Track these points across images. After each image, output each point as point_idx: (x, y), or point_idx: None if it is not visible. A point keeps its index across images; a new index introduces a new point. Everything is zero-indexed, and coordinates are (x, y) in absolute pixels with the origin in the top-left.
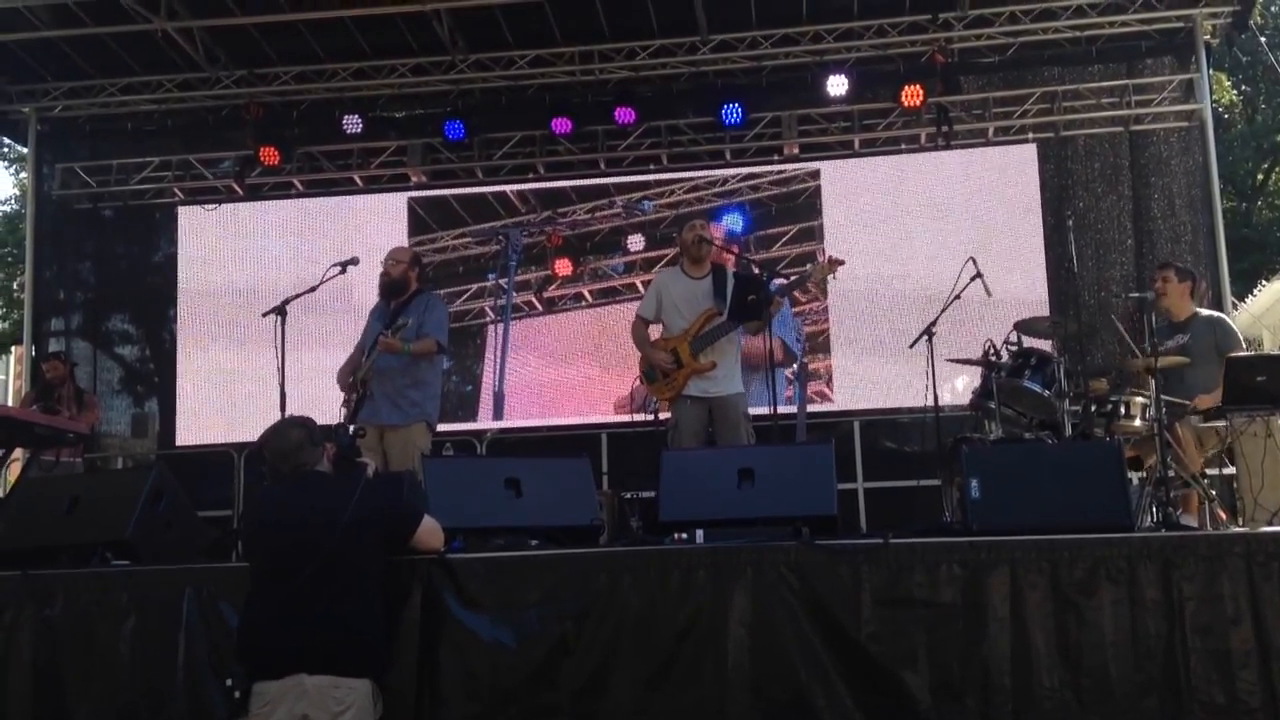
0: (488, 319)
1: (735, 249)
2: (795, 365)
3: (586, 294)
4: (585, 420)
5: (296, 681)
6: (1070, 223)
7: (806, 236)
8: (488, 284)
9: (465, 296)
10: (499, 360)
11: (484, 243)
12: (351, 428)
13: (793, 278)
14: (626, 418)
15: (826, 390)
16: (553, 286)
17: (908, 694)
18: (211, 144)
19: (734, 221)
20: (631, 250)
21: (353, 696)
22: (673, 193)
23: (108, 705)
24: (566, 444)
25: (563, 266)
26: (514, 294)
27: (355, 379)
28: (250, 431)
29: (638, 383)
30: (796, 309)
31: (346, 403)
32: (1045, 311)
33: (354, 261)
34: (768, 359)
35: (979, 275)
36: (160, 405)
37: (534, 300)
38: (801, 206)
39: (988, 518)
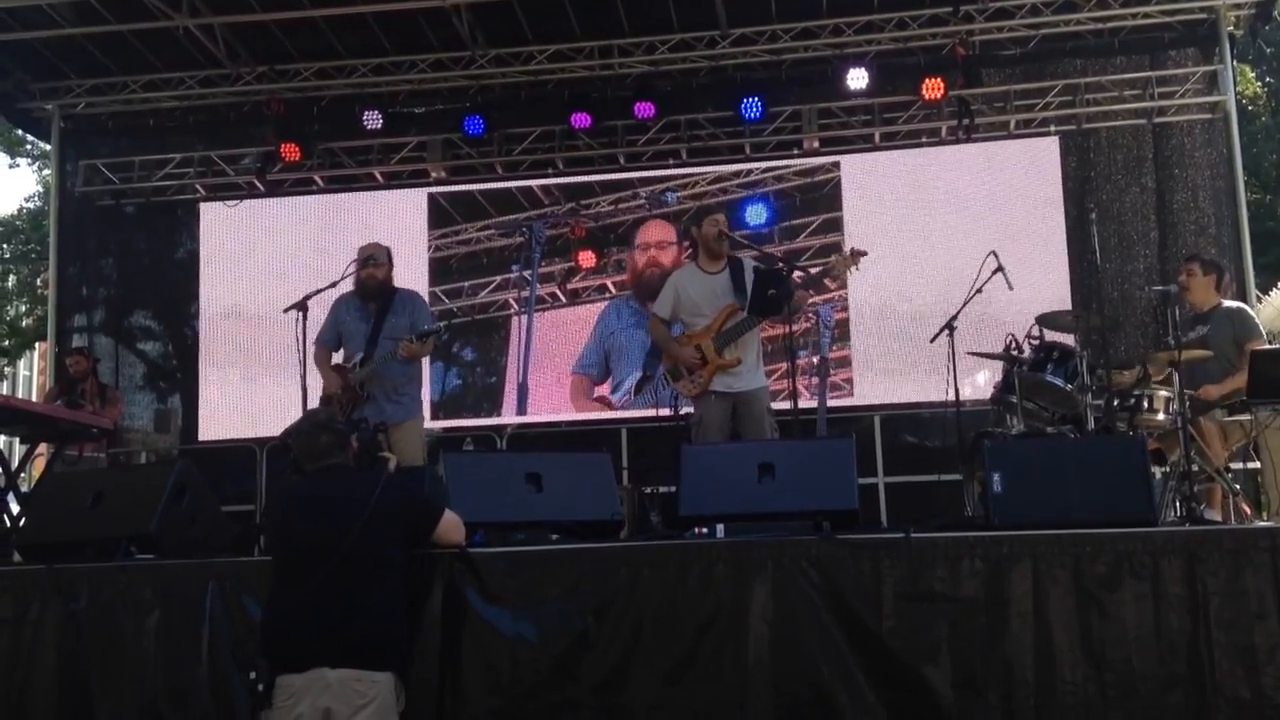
0: (512, 311)
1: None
2: (816, 358)
3: (610, 285)
4: (606, 415)
5: (319, 675)
6: (1093, 216)
7: (831, 227)
8: (511, 276)
9: (489, 289)
10: (523, 352)
11: (508, 235)
12: (373, 422)
13: (814, 271)
14: (648, 413)
15: (846, 378)
16: (576, 278)
17: (929, 688)
18: (233, 140)
19: (758, 214)
20: None
21: (375, 690)
22: (696, 184)
23: (131, 698)
24: (587, 439)
25: (586, 258)
26: (538, 286)
27: (355, 382)
28: (272, 426)
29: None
30: (824, 296)
31: (337, 401)
32: (1067, 305)
33: None
34: (789, 354)
35: (1000, 269)
36: (183, 400)
37: (558, 292)
38: (826, 197)
39: (1010, 512)
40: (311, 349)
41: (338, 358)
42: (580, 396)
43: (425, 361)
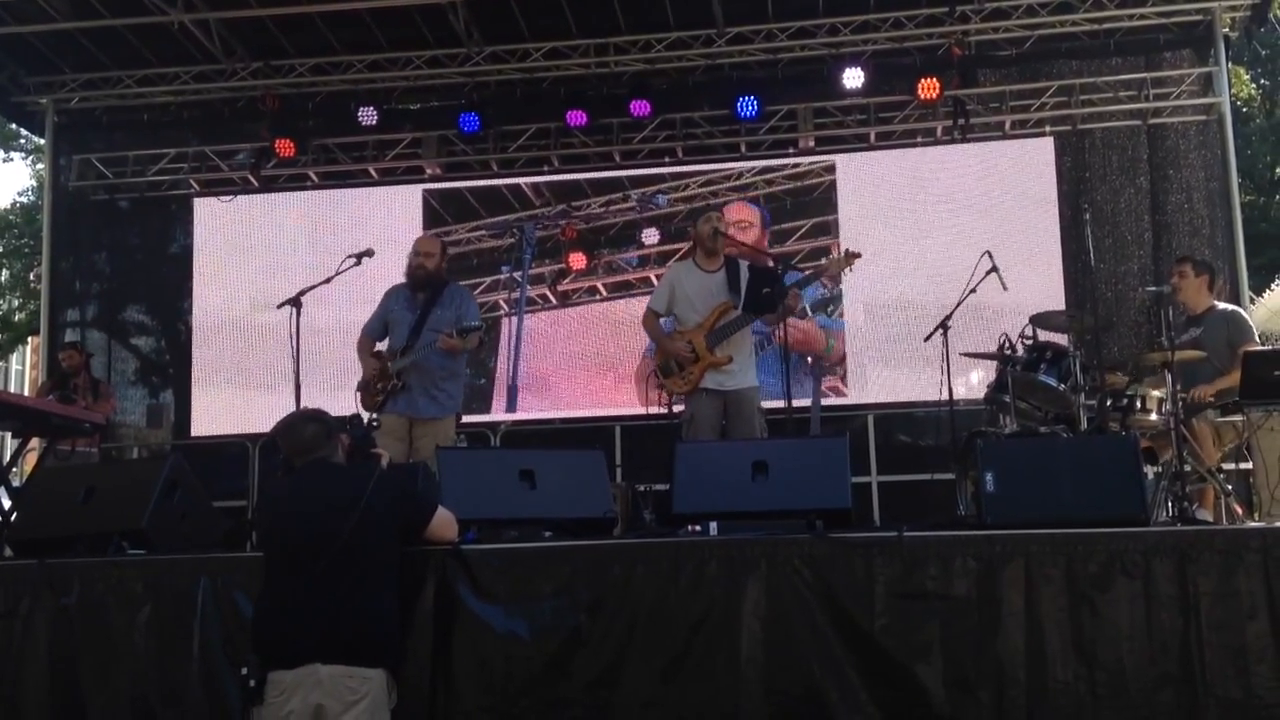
0: (502, 312)
1: (745, 244)
2: (810, 358)
3: (601, 287)
4: (599, 412)
5: (311, 671)
6: (1087, 216)
7: (821, 231)
8: (502, 277)
9: (480, 289)
10: (513, 353)
11: (498, 236)
12: (366, 418)
13: (808, 271)
14: (641, 410)
15: (840, 385)
16: (567, 280)
17: (921, 687)
18: (227, 136)
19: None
20: (646, 244)
21: (367, 686)
22: (687, 187)
23: (123, 694)
24: (580, 436)
25: (577, 260)
26: (528, 287)
27: (393, 370)
28: (265, 422)
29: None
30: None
31: (371, 388)
32: (1061, 305)
33: (369, 253)
34: (783, 353)
35: (995, 269)
36: (175, 396)
37: (548, 293)
38: (816, 201)
39: (1002, 511)
40: (309, 341)
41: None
42: (644, 382)
43: None
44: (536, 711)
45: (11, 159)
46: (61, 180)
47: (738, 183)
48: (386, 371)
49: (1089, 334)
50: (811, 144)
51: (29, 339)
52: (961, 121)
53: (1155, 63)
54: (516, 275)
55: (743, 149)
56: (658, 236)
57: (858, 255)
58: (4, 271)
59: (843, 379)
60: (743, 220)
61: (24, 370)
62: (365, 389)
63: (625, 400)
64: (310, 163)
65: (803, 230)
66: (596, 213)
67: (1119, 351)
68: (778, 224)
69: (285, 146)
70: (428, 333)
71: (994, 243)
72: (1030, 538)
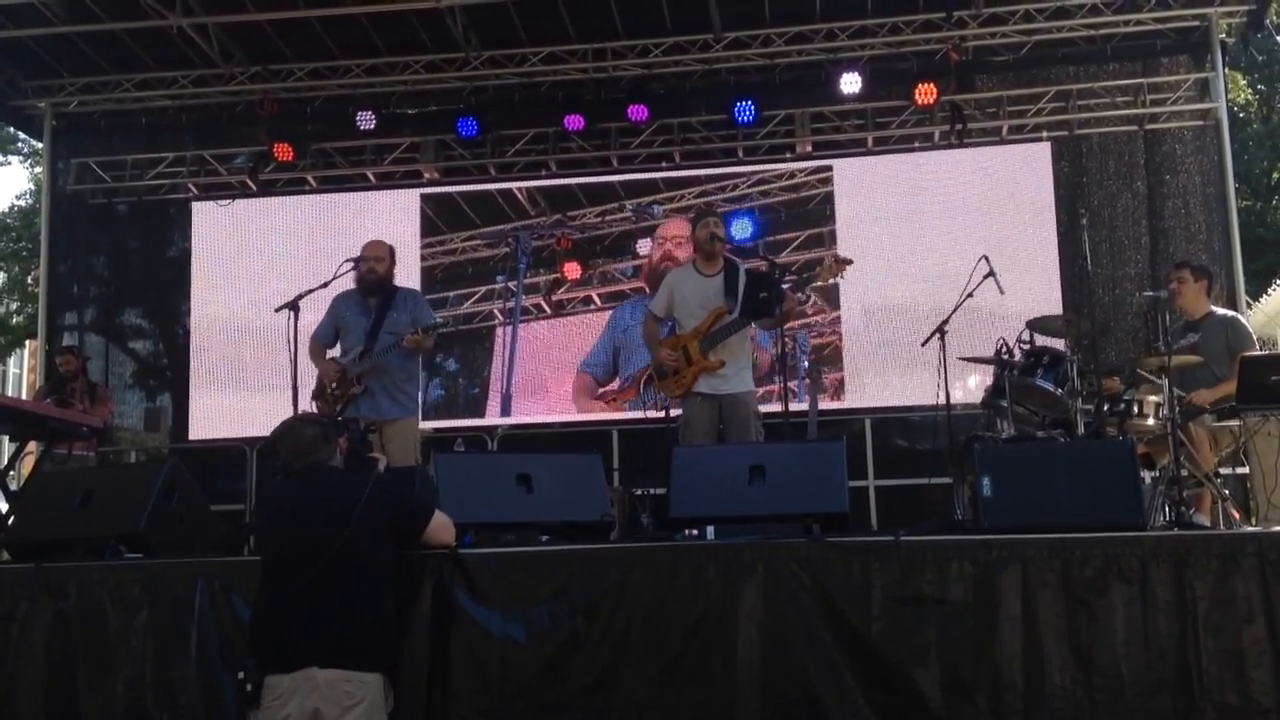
0: (496, 321)
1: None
2: (806, 362)
3: (595, 297)
4: (597, 416)
5: (308, 675)
6: (1084, 221)
7: (815, 242)
8: (497, 286)
9: (474, 299)
10: (507, 363)
11: (493, 245)
12: (363, 423)
13: (801, 276)
14: (639, 414)
15: (831, 403)
16: (561, 289)
17: (918, 692)
18: (226, 140)
19: (743, 227)
20: (640, 254)
21: (364, 690)
22: (682, 197)
23: (119, 697)
24: (578, 440)
25: (572, 270)
26: (523, 297)
27: (353, 374)
28: (263, 426)
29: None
30: (804, 321)
31: (330, 393)
32: (1058, 310)
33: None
34: (779, 357)
35: (992, 273)
36: (173, 399)
37: (543, 303)
38: (811, 212)
39: (999, 516)
40: (307, 345)
41: (334, 354)
42: (582, 394)
43: None
44: (533, 714)
45: (9, 163)
46: (59, 184)
47: (733, 194)
48: (345, 376)
49: (1086, 339)
50: (809, 148)
51: (27, 342)
52: (959, 126)
53: (1152, 68)
54: (511, 285)
55: (740, 154)
56: (651, 246)
57: (849, 261)
58: (2, 275)
59: (834, 395)
60: (679, 236)
61: (22, 374)
62: (320, 396)
63: (620, 405)
64: (308, 167)
65: (798, 241)
66: (592, 222)
67: (1116, 356)
68: (772, 235)
69: (283, 151)
70: (385, 335)
71: (991, 247)
72: (1027, 542)
